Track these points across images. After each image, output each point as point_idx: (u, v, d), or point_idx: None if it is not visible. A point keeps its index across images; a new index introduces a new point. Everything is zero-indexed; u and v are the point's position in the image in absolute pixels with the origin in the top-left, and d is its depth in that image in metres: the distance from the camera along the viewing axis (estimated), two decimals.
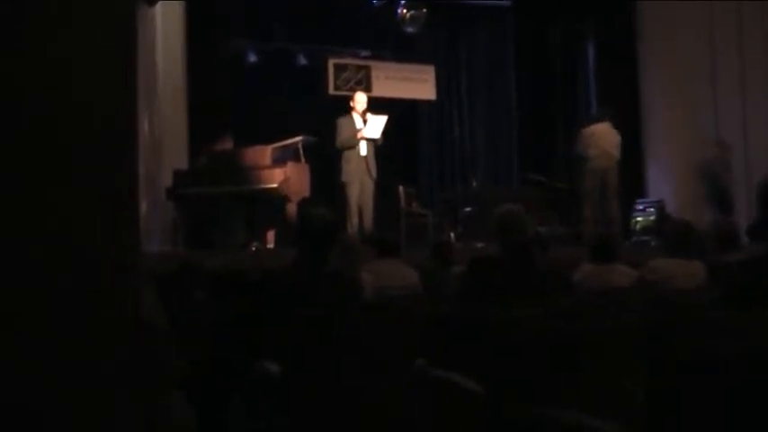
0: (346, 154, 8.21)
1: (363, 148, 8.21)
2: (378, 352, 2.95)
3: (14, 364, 1.65)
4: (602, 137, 8.84)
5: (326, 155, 8.66)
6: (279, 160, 7.87)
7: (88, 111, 1.78)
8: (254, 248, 7.95)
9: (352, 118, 8.30)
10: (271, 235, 8.35)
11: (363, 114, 8.28)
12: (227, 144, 8.91)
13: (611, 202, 8.84)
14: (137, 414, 1.79)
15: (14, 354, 1.65)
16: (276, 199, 7.75)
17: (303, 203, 7.67)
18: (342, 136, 8.23)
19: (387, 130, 8.36)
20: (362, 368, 2.88)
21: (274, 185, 7.56)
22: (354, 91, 9.38)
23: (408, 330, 3.10)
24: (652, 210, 9.99)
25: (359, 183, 8.17)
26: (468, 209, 9.79)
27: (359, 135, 8.17)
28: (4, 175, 1.66)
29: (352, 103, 8.39)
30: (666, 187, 10.54)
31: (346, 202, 8.18)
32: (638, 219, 9.94)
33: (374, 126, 8.21)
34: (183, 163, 8.76)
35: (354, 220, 8.14)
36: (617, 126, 8.99)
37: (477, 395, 2.63)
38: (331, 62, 11.17)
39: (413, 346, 3.06)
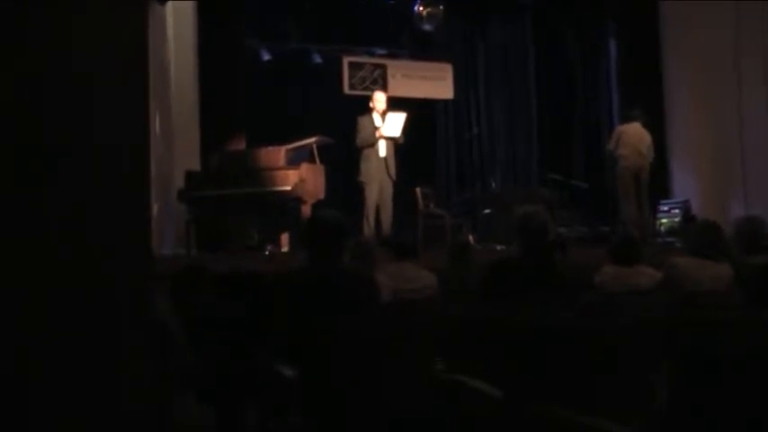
0: (365, 153, 8.23)
1: (383, 148, 8.23)
2: (395, 356, 2.95)
3: (26, 364, 1.66)
4: (633, 136, 8.85)
5: (342, 156, 8.68)
6: (293, 161, 7.88)
7: (97, 111, 1.78)
8: (267, 252, 7.97)
9: (371, 117, 8.32)
10: (285, 238, 8.37)
11: (383, 114, 8.30)
12: (241, 145, 8.94)
13: (644, 203, 8.82)
14: (151, 414, 1.80)
15: (26, 354, 1.66)
16: (290, 201, 7.77)
17: (318, 206, 7.68)
18: (361, 134, 8.25)
19: (405, 130, 8.36)
20: (379, 372, 2.88)
21: (288, 187, 7.57)
22: (370, 90, 9.38)
23: (426, 334, 3.10)
24: (677, 211, 9.95)
25: (378, 183, 8.19)
26: (486, 210, 9.77)
27: (378, 134, 8.19)
28: (13, 176, 1.68)
29: (371, 103, 8.41)
30: (691, 188, 10.48)
31: (364, 203, 8.19)
32: (663, 220, 9.89)
33: (393, 124, 8.23)
34: (195, 164, 8.79)
35: (372, 221, 8.14)
36: (646, 126, 8.98)
37: (497, 399, 2.63)
38: (346, 61, 11.17)
39: (430, 349, 3.06)
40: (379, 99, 8.42)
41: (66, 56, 1.74)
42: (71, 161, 1.74)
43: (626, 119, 9.27)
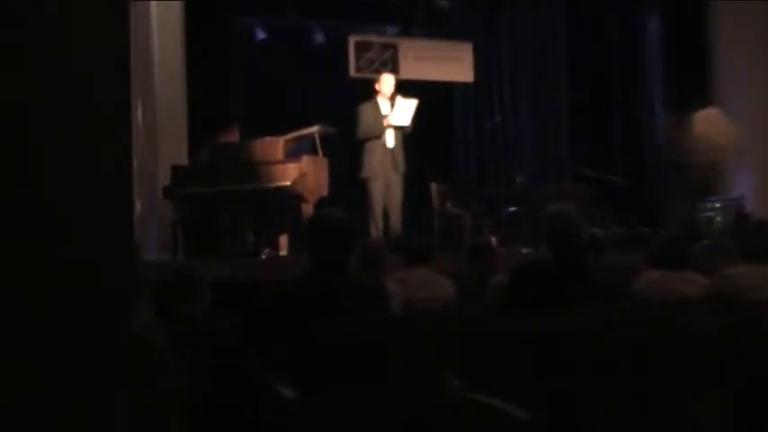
0: (369, 145, 8.19)
1: (390, 139, 8.19)
2: (407, 373, 2.97)
3: None
4: (712, 125, 8.82)
5: (347, 147, 8.69)
6: (293, 154, 7.90)
7: (72, 100, 1.80)
8: (264, 256, 7.99)
9: (376, 103, 8.28)
10: (283, 240, 8.39)
11: (391, 99, 8.26)
12: (233, 136, 8.93)
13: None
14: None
15: None
16: (290, 199, 7.79)
17: (321, 204, 7.69)
18: (364, 124, 8.21)
19: (417, 118, 8.35)
20: (390, 392, 2.90)
21: (287, 183, 7.59)
22: (379, 73, 9.38)
23: (442, 348, 3.12)
24: (729, 208, 9.91)
25: (384, 178, 8.16)
26: (511, 209, 9.77)
27: (385, 122, 8.16)
28: None
29: (377, 86, 8.38)
30: (745, 183, 10.44)
31: (369, 201, 8.17)
32: (716, 218, 9.86)
33: (403, 111, 8.18)
34: (182, 158, 8.82)
35: (379, 221, 8.12)
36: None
37: (522, 422, 2.65)
38: (352, 40, 11.18)
39: (447, 365, 3.08)
40: (387, 82, 8.37)
41: (39, 33, 1.77)
42: (38, 155, 1.76)
43: (699, 104, 9.22)
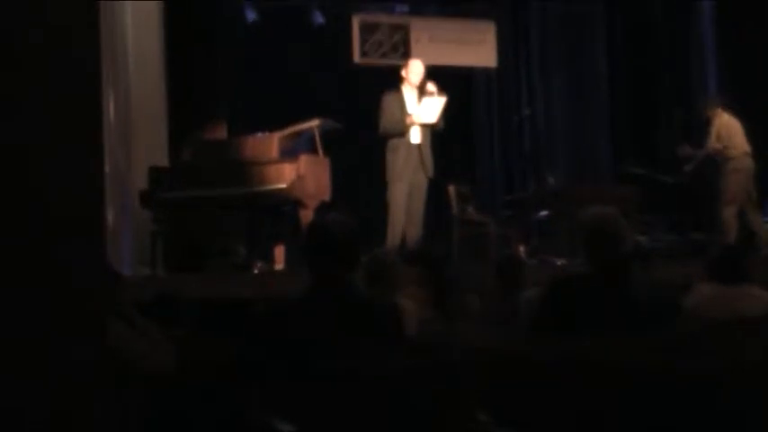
0: (392, 143, 8.09)
1: (416, 135, 8.10)
2: (424, 405, 2.95)
3: None
4: (736, 128, 8.97)
5: (352, 145, 8.67)
6: (289, 152, 7.90)
7: (35, 93, 1.80)
8: (257, 270, 7.99)
9: (401, 94, 8.18)
10: (279, 252, 8.38)
11: (420, 88, 8.16)
12: (220, 132, 8.96)
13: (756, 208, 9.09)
14: None
15: None
16: (286, 204, 7.79)
17: (322, 210, 7.68)
18: (387, 118, 8.13)
19: (441, 114, 8.28)
20: (403, 426, 2.89)
21: (283, 186, 7.59)
22: (387, 58, 9.34)
23: (465, 376, 3.10)
24: None
25: (408, 180, 8.06)
26: (543, 213, 9.76)
27: (409, 120, 8.06)
28: None
29: (403, 73, 8.27)
30: None
31: (389, 205, 8.09)
32: None
33: (429, 110, 8.09)
34: (162, 159, 8.84)
35: (399, 230, 8.03)
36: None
37: None
38: (356, 21, 11.19)
39: (473, 397, 3.07)
40: (415, 70, 8.21)
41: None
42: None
43: (719, 104, 9.33)
